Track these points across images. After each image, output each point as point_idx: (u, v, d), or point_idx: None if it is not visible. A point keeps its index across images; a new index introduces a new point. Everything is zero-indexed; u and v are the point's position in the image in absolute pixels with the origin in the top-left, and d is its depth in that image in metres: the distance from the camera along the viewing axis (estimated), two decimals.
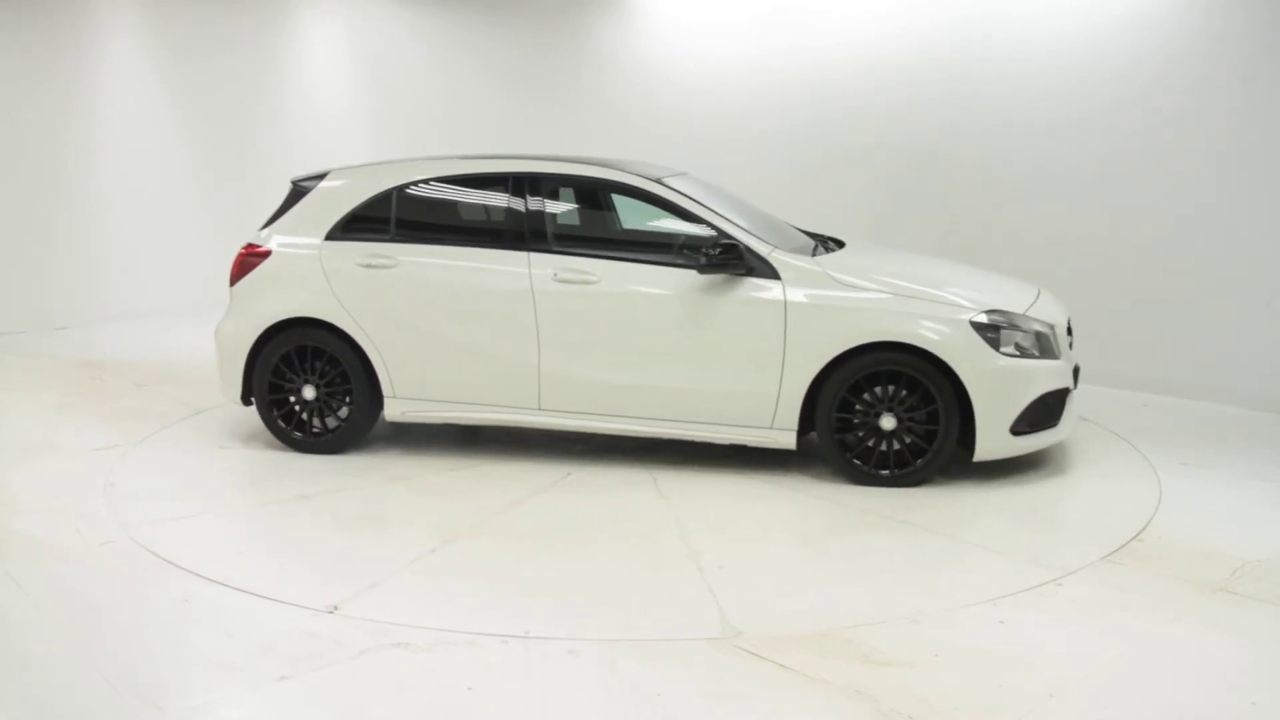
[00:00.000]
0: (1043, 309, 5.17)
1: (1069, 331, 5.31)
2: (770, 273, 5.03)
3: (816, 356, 4.93)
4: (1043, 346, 4.98)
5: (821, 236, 5.84)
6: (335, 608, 3.76)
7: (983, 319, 4.89)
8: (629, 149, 8.23)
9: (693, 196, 5.29)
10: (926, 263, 5.74)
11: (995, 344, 4.86)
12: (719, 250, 5.00)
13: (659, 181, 5.35)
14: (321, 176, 5.79)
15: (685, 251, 5.15)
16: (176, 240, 9.71)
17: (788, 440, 5.06)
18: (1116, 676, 3.30)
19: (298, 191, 5.77)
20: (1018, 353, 4.89)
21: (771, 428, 5.06)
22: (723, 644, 3.47)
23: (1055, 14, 7.09)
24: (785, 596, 3.90)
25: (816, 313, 4.95)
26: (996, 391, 4.85)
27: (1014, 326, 4.93)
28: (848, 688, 3.20)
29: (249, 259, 5.73)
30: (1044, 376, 4.95)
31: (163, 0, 9.45)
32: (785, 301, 4.97)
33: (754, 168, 7.77)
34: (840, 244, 5.70)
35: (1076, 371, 5.26)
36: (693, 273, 5.06)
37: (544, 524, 4.66)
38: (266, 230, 5.77)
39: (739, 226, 5.18)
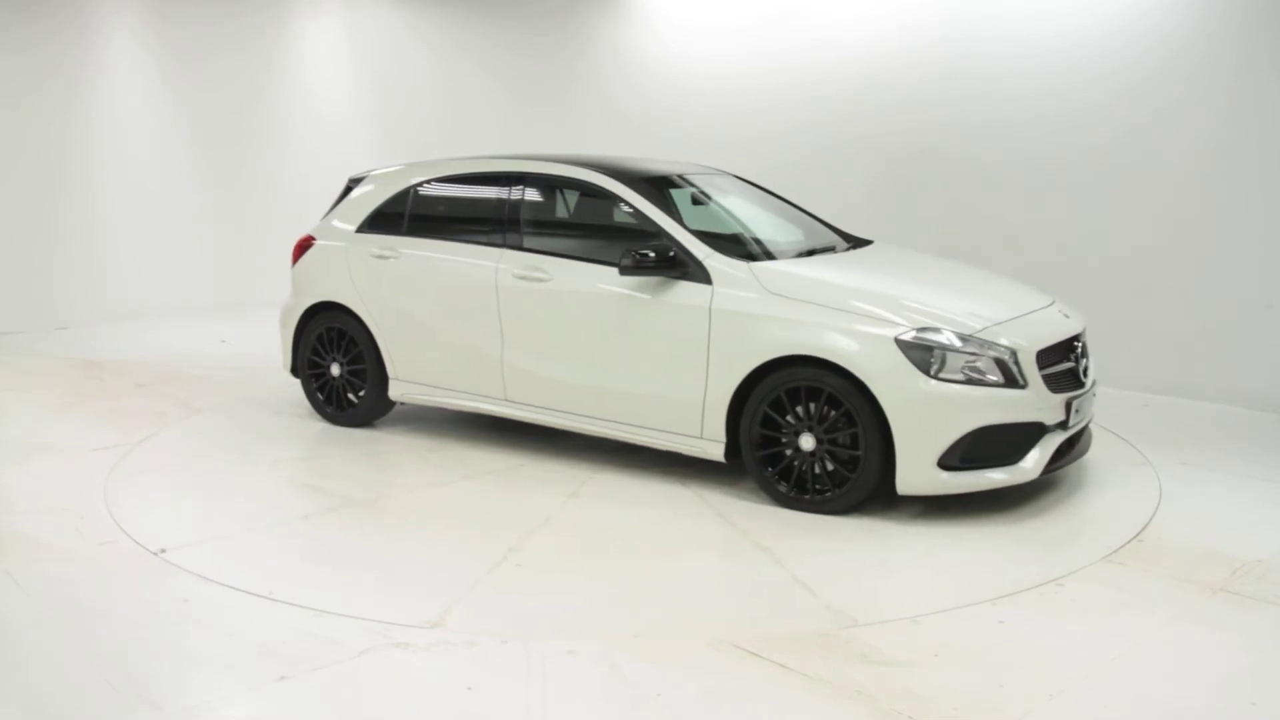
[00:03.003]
0: (1017, 329, 4.63)
1: (1077, 353, 4.86)
2: (705, 278, 4.85)
3: (737, 367, 4.72)
4: (1005, 373, 4.47)
5: (853, 237, 5.79)
6: (163, 550, 4.24)
7: (912, 337, 4.45)
8: (629, 149, 8.24)
9: (651, 196, 5.17)
10: (921, 270, 5.40)
11: (926, 365, 4.40)
12: (643, 252, 4.87)
13: (639, 180, 5.29)
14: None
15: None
16: (176, 240, 9.70)
17: (716, 452, 4.87)
18: (1116, 676, 3.30)
19: (349, 187, 6.30)
20: (964, 377, 4.41)
21: (701, 438, 4.89)
22: (723, 644, 3.47)
23: (1056, 13, 7.09)
24: (538, 596, 3.88)
25: (738, 321, 4.72)
26: (920, 418, 4.39)
27: (960, 348, 4.44)
28: (848, 688, 3.20)
29: (303, 246, 6.28)
30: (989, 406, 4.41)
31: (163, 0, 9.45)
32: (710, 308, 4.79)
33: (754, 167, 7.74)
34: (868, 243, 5.71)
35: (1070, 405, 4.66)
36: (641, 275, 4.93)
37: (425, 507, 4.87)
38: (320, 221, 6.32)
39: (684, 228, 5.01)
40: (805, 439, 4.62)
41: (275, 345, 8.31)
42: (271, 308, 9.72)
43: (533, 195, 5.60)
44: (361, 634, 3.53)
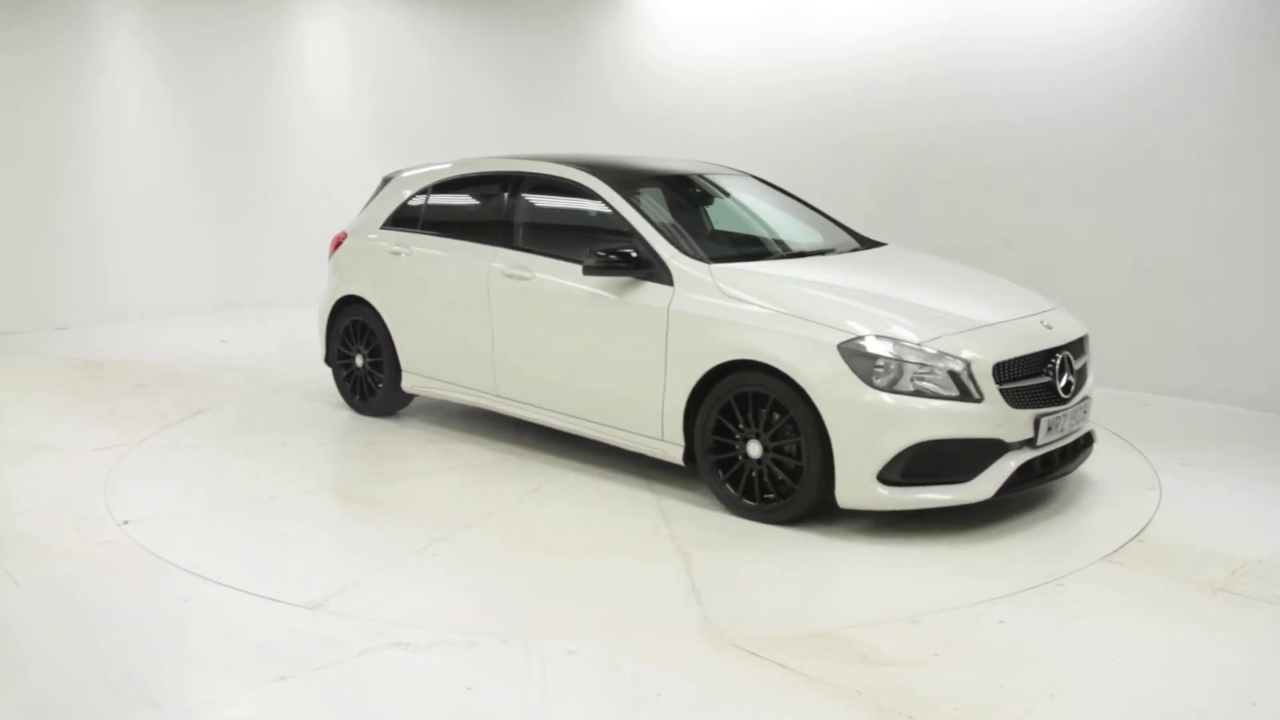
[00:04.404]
0: (979, 339, 4.39)
1: (1056, 366, 4.52)
2: (668, 278, 4.79)
3: (690, 370, 4.64)
4: (959, 386, 4.26)
5: (866, 239, 5.73)
6: (126, 522, 4.53)
7: (857, 345, 4.26)
8: (628, 149, 8.23)
9: (628, 195, 5.14)
10: (909, 274, 5.22)
11: (869, 375, 4.21)
12: (606, 252, 4.86)
13: (620, 176, 5.30)
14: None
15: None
16: (176, 240, 9.70)
17: (676, 455, 4.81)
18: (1116, 676, 3.30)
19: (382, 185, 6.48)
20: (912, 389, 4.21)
21: (662, 440, 4.84)
22: (723, 644, 3.48)
23: (1056, 13, 7.09)
24: (431, 586, 3.99)
25: (693, 323, 4.65)
26: (859, 430, 4.21)
27: (906, 358, 4.23)
28: (848, 688, 3.20)
29: (338, 241, 6.51)
30: (935, 420, 4.19)
31: (163, 0, 9.45)
32: (668, 310, 4.73)
33: (754, 167, 7.75)
34: (879, 245, 5.65)
35: (1039, 421, 4.39)
36: (603, 275, 4.92)
37: (388, 496, 5.04)
38: (356, 217, 6.54)
39: (655, 229, 4.95)
40: (753, 446, 4.51)
41: (275, 344, 8.45)
42: (272, 307, 9.81)
43: (526, 195, 5.66)
44: (361, 634, 3.53)
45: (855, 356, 4.26)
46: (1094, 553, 4.25)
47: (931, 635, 3.55)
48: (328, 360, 6.56)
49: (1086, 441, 4.92)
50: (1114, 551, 4.27)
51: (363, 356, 6.27)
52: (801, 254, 5.35)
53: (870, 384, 4.22)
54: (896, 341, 4.28)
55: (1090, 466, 5.16)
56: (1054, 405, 4.51)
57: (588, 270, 4.92)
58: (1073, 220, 7.16)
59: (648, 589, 3.97)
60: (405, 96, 10.75)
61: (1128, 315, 6.94)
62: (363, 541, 4.52)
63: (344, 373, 6.42)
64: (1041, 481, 4.59)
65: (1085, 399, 4.78)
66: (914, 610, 3.73)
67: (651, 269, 4.86)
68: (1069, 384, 4.60)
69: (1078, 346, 4.80)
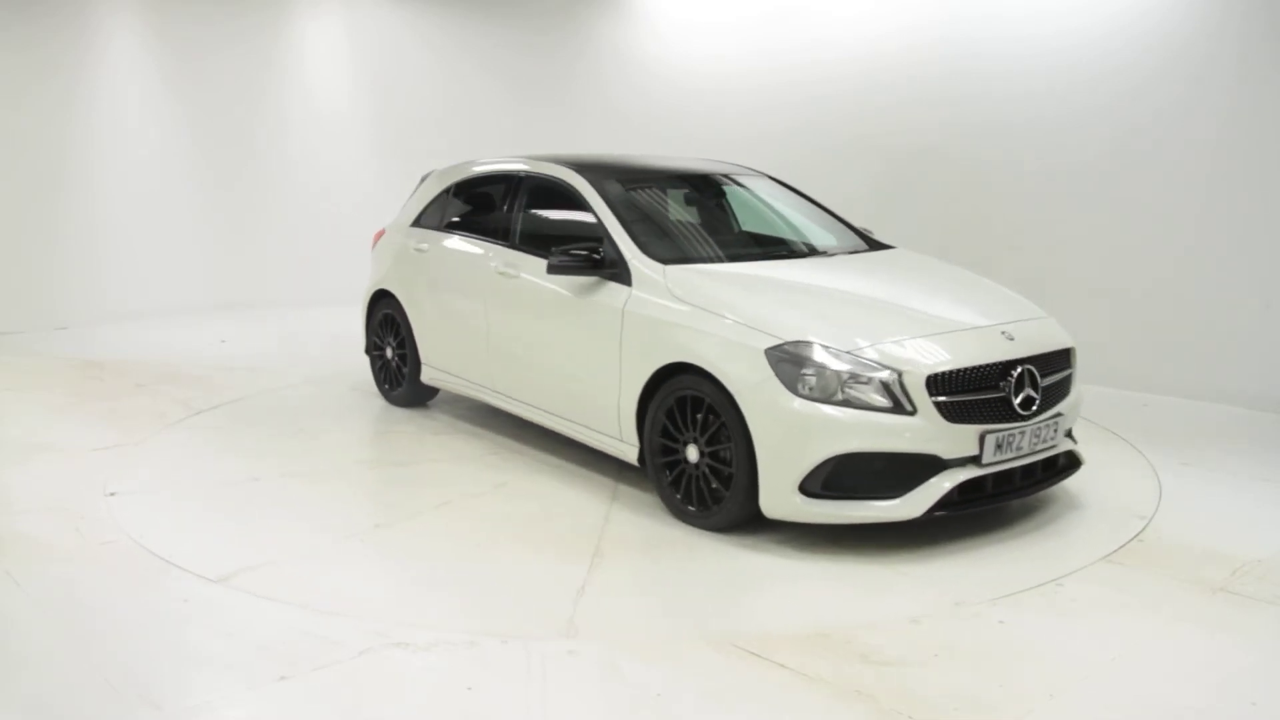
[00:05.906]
0: (920, 348, 4.16)
1: (1014, 380, 4.22)
2: (628, 279, 4.78)
3: (640, 371, 4.61)
4: (891, 397, 4.05)
5: (875, 241, 5.65)
6: (113, 494, 4.84)
7: (784, 350, 4.12)
8: (629, 149, 8.23)
9: (606, 193, 5.13)
10: (891, 280, 5.03)
11: (794, 382, 4.06)
12: (570, 251, 4.87)
13: (609, 176, 5.30)
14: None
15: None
16: (176, 240, 9.70)
17: (631, 455, 4.77)
18: (1116, 676, 3.30)
19: (420, 183, 6.65)
20: (842, 398, 4.02)
21: (620, 440, 4.82)
22: (723, 644, 3.48)
23: (1056, 13, 7.10)
24: (341, 570, 4.10)
25: (643, 325, 4.63)
26: (782, 437, 4.08)
27: (833, 366, 4.05)
28: (848, 688, 3.20)
29: (379, 236, 6.75)
30: (857, 432, 4.00)
31: (163, 0, 9.45)
32: (623, 310, 4.72)
33: (754, 167, 7.77)
34: (886, 248, 5.57)
35: (984, 438, 4.12)
36: (566, 274, 4.95)
37: (356, 484, 5.26)
38: (397, 214, 6.73)
39: (626, 229, 4.93)
40: (691, 450, 4.45)
41: (275, 345, 8.44)
42: (271, 307, 9.80)
43: (525, 194, 5.72)
44: (361, 634, 3.53)
45: (781, 362, 4.12)
46: (1094, 553, 4.25)
47: (931, 635, 3.55)
48: (367, 351, 6.76)
49: (1070, 462, 4.67)
50: (1114, 551, 4.28)
51: (391, 348, 6.47)
52: (787, 256, 5.28)
53: (795, 391, 4.07)
54: (825, 348, 4.11)
55: (1090, 467, 5.10)
56: (1007, 421, 4.22)
57: (551, 269, 4.94)
58: (1073, 220, 7.17)
59: (538, 587, 3.95)
60: (405, 96, 10.75)
61: (1128, 315, 6.94)
62: (309, 523, 4.59)
63: (378, 363, 6.63)
64: (994, 503, 4.33)
65: (1057, 416, 4.44)
66: (908, 613, 3.72)
67: (616, 269, 4.86)
68: (1028, 399, 4.28)
69: (1053, 360, 4.49)
